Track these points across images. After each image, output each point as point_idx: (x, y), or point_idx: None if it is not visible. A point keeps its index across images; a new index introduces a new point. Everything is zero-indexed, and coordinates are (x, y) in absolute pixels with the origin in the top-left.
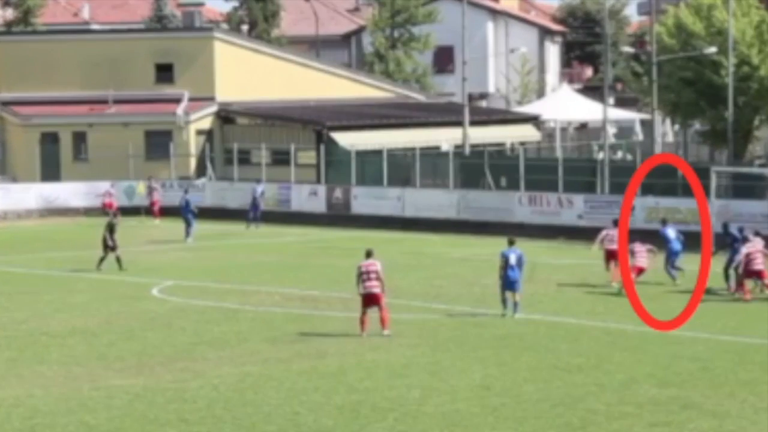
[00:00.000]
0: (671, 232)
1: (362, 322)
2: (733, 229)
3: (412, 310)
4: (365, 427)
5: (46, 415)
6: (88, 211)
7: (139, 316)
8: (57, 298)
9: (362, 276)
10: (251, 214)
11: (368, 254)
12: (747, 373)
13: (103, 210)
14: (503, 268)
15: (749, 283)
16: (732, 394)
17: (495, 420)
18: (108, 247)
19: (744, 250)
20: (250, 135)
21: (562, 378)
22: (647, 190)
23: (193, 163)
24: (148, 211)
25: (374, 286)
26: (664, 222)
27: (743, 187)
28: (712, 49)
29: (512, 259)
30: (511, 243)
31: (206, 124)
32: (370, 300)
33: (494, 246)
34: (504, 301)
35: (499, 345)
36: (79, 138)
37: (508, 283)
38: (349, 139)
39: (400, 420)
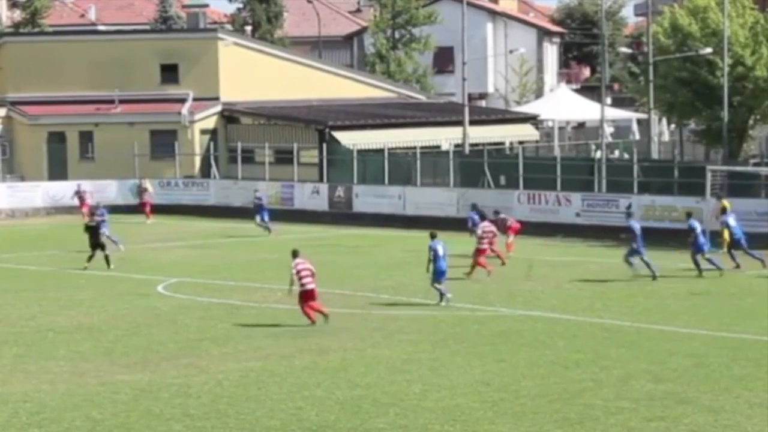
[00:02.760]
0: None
1: (309, 314)
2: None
3: (413, 306)
4: (367, 421)
5: (53, 410)
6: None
7: (145, 313)
8: (63, 295)
9: (299, 274)
10: (262, 218)
11: (295, 254)
12: (741, 369)
13: (86, 210)
14: (433, 261)
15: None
16: (727, 389)
17: (494, 415)
18: (97, 245)
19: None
20: (254, 134)
21: (560, 374)
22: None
23: (197, 162)
24: (139, 210)
25: (310, 282)
26: (689, 215)
27: (738, 186)
28: (708, 50)
29: (440, 251)
30: (433, 236)
31: (210, 123)
32: (309, 295)
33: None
34: (440, 291)
35: (497, 341)
36: (86, 137)
37: (439, 273)
38: (350, 139)
39: (401, 415)
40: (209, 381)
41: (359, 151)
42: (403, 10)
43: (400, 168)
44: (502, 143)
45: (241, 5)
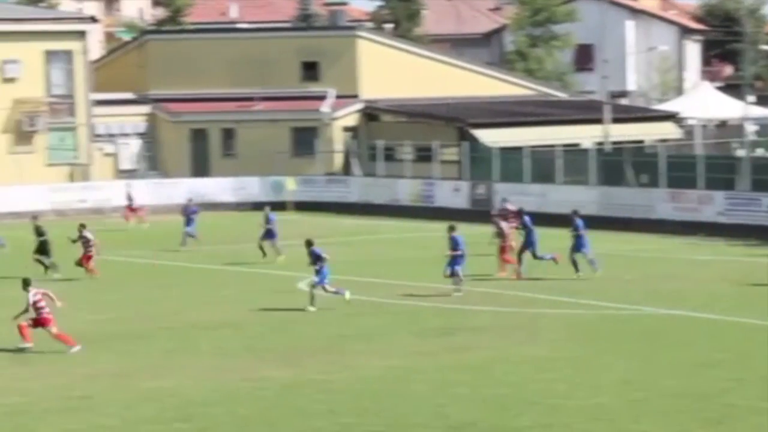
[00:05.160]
0: None
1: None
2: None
3: (556, 305)
4: (510, 420)
5: (198, 405)
6: (238, 206)
7: (287, 309)
8: (207, 291)
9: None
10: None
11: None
12: None
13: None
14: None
15: None
16: None
17: (637, 414)
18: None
19: None
20: (394, 132)
21: (702, 373)
22: None
23: (338, 159)
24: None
25: (48, 312)
26: None
27: None
28: None
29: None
30: (453, 229)
31: (351, 121)
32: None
33: (636, 243)
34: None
35: (640, 340)
36: (228, 134)
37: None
38: (490, 136)
39: (544, 413)
40: (352, 377)
41: (499, 149)
42: (543, 8)
43: (541, 166)
44: (643, 141)
45: (381, 3)
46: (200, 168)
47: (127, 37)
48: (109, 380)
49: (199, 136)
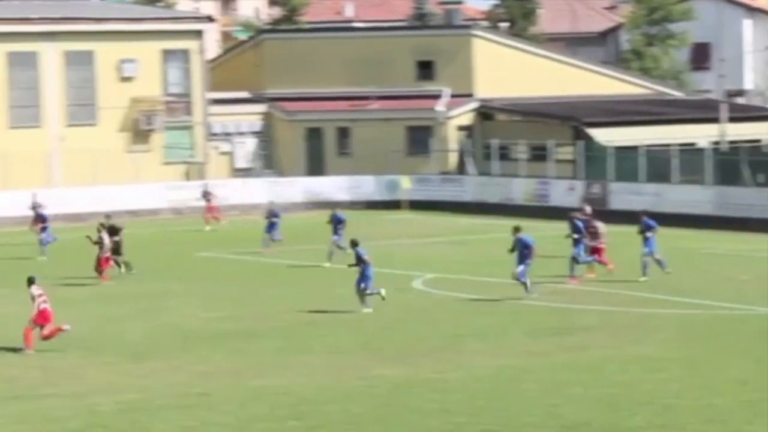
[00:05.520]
0: None
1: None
2: None
3: (668, 305)
4: (623, 420)
5: (311, 403)
6: (352, 205)
7: (401, 308)
8: (322, 289)
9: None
10: (272, 235)
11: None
12: None
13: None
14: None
15: None
16: None
17: (752, 415)
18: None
19: None
20: (509, 131)
21: None
22: None
23: (453, 158)
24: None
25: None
26: None
27: None
28: None
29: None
30: (518, 230)
31: (466, 120)
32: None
33: (753, 243)
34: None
35: (754, 340)
36: (343, 133)
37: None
38: (606, 135)
39: (657, 414)
40: (466, 377)
41: (615, 148)
42: (659, 6)
43: (656, 165)
44: (760, 141)
45: (497, 2)
46: (315, 167)
47: (243, 37)
48: (223, 378)
49: (314, 135)
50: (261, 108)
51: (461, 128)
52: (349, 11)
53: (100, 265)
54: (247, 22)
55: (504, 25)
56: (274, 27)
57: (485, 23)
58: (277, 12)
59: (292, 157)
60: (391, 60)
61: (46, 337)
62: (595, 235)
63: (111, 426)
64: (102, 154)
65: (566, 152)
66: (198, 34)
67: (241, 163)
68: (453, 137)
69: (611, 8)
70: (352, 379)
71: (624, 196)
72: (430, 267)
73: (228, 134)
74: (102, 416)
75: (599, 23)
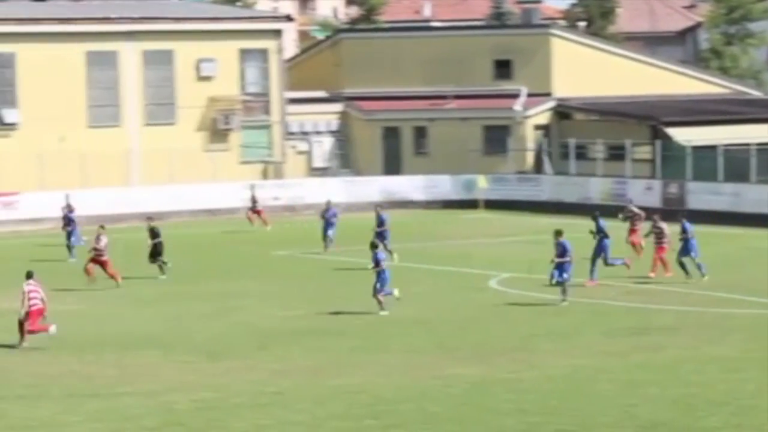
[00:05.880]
0: None
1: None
2: None
3: (745, 305)
4: (700, 420)
5: (388, 402)
6: (428, 204)
7: (478, 307)
8: (399, 289)
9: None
10: (327, 232)
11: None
12: None
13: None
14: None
15: None
16: None
17: None
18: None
19: None
20: (586, 130)
21: None
22: None
23: (530, 157)
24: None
25: (37, 304)
26: None
27: None
28: None
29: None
30: (560, 234)
31: (543, 119)
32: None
33: None
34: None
35: None
36: (420, 132)
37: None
38: (684, 135)
39: (735, 414)
40: (541, 376)
41: (693, 148)
42: (738, 5)
43: (735, 165)
44: None
45: (575, 1)
46: (392, 166)
47: (321, 36)
48: (299, 376)
49: (391, 134)
50: (338, 107)
51: (538, 127)
52: (427, 11)
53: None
54: (324, 21)
55: (582, 24)
56: (352, 26)
57: (563, 22)
58: (354, 11)
59: (368, 157)
60: (469, 59)
61: (30, 331)
62: (660, 236)
63: (187, 424)
64: (180, 154)
65: (644, 152)
66: (276, 33)
67: (318, 163)
68: (530, 136)
69: (690, 7)
70: (428, 378)
71: (702, 195)
72: (506, 266)
73: (305, 133)
74: (178, 414)
75: (678, 22)
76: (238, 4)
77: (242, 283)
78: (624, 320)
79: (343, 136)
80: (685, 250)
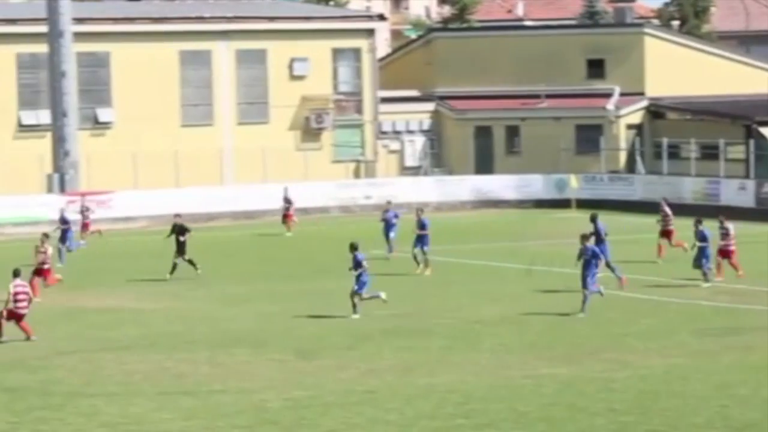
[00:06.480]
0: None
1: None
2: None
3: None
4: None
5: (478, 401)
6: (520, 203)
7: (569, 307)
8: (489, 288)
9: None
10: (390, 236)
11: (16, 274)
12: None
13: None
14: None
15: None
16: None
17: None
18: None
19: None
20: (679, 130)
21: None
22: None
23: (622, 157)
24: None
25: (24, 307)
26: None
27: None
28: None
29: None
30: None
31: (636, 118)
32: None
33: None
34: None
35: None
36: (512, 132)
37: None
38: None
39: None
40: (633, 376)
41: None
42: None
43: None
44: None
45: (668, 0)
46: (484, 165)
47: (413, 35)
48: (389, 375)
49: (483, 134)
50: (430, 106)
51: (631, 127)
52: (520, 10)
53: (42, 274)
54: (417, 20)
55: (675, 23)
56: (445, 26)
57: (656, 21)
58: (447, 11)
59: (460, 156)
60: (562, 58)
61: (20, 326)
62: (725, 236)
63: (279, 422)
64: (272, 152)
65: (737, 151)
66: (369, 32)
67: (410, 162)
68: (623, 136)
69: None
70: (518, 377)
71: None
72: None
73: (397, 132)
74: (270, 412)
75: None
76: (331, 3)
77: (335, 281)
78: (714, 320)
79: (434, 135)
80: (701, 256)
